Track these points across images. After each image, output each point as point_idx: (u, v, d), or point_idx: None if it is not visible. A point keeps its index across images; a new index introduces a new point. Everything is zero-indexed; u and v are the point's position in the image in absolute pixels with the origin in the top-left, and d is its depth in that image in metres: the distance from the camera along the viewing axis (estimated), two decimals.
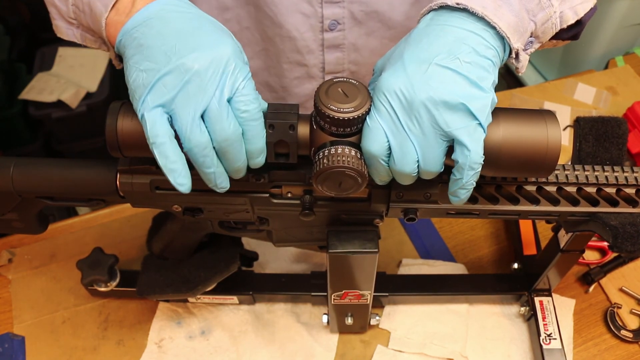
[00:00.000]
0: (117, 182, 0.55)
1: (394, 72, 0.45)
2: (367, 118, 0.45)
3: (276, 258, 0.85)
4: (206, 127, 0.44)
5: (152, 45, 0.44)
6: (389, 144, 0.44)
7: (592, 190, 0.57)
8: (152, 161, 0.54)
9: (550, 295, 0.76)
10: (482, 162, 0.44)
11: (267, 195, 0.56)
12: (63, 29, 0.54)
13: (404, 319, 0.78)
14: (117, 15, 0.47)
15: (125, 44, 0.46)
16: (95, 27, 0.49)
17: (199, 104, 0.43)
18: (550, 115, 0.48)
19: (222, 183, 0.47)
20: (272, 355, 0.76)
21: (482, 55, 0.45)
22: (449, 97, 0.42)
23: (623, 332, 0.77)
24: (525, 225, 0.84)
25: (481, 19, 0.45)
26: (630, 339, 0.76)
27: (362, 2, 0.68)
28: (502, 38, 0.47)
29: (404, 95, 0.43)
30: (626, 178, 0.57)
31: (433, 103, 0.43)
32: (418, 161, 0.45)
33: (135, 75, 0.45)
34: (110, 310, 0.80)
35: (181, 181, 0.45)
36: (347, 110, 0.44)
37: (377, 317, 0.76)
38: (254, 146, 0.46)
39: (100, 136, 0.48)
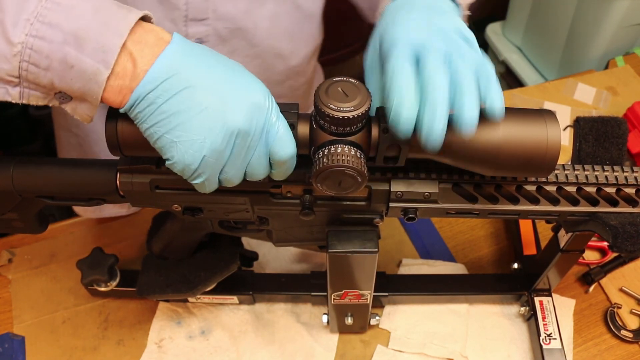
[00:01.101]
0: (117, 182, 0.55)
1: (406, 32, 0.47)
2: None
3: (276, 258, 0.85)
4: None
5: (179, 111, 0.42)
6: None
7: (592, 190, 0.57)
8: (152, 160, 0.54)
9: (550, 295, 0.76)
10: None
11: (267, 194, 0.56)
12: None
13: (404, 319, 0.78)
14: (119, 80, 0.42)
15: (140, 109, 0.42)
16: (74, 85, 0.42)
17: (244, 162, 0.46)
18: (549, 114, 0.48)
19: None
20: (272, 355, 0.76)
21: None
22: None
23: (623, 332, 0.77)
24: (525, 225, 0.84)
25: None
26: (630, 339, 0.76)
27: (227, 19, 0.68)
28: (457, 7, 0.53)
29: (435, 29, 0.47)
30: (626, 178, 0.57)
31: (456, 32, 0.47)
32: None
33: (168, 145, 0.43)
34: (110, 310, 0.80)
35: None
36: (347, 109, 0.44)
37: (377, 317, 0.76)
38: (279, 178, 0.50)
39: None
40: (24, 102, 0.43)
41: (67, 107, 0.44)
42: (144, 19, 0.44)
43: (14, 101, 0.43)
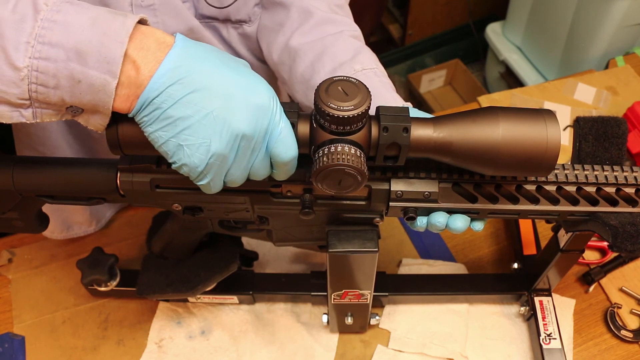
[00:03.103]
0: (118, 181, 0.55)
1: None
2: None
3: (276, 258, 0.85)
4: None
5: (185, 115, 0.42)
6: None
7: (591, 189, 0.57)
8: (153, 159, 0.54)
9: (550, 295, 0.76)
10: None
11: (267, 194, 0.56)
12: (4, 112, 0.42)
13: (404, 319, 0.78)
14: (125, 88, 0.42)
15: (146, 113, 0.42)
16: (84, 99, 0.42)
17: (249, 163, 0.46)
18: (549, 114, 0.48)
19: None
20: (272, 355, 0.76)
21: None
22: None
23: (623, 332, 0.77)
24: (525, 225, 0.84)
25: None
26: (630, 339, 0.76)
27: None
28: None
29: None
30: (626, 177, 0.57)
31: None
32: None
33: (174, 149, 0.43)
34: (110, 310, 0.80)
35: None
36: (346, 108, 0.44)
37: (377, 317, 0.76)
38: (281, 178, 0.50)
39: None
40: (38, 120, 0.43)
41: (79, 119, 0.45)
42: (141, 22, 0.44)
43: (28, 122, 0.43)
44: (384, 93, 0.62)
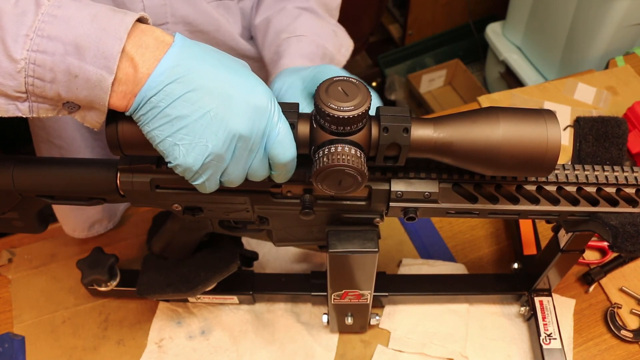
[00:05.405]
0: (118, 181, 0.55)
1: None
2: None
3: (276, 258, 0.85)
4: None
5: (182, 115, 0.42)
6: None
7: (592, 190, 0.57)
8: (153, 160, 0.54)
9: (550, 295, 0.76)
10: None
11: (267, 194, 0.56)
12: (0, 105, 0.42)
13: (404, 319, 0.78)
14: (122, 85, 0.42)
15: (143, 112, 0.42)
16: (80, 94, 0.42)
17: (246, 164, 0.46)
18: (549, 114, 0.48)
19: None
20: (272, 355, 0.76)
21: None
22: None
23: (623, 332, 0.77)
24: (525, 225, 0.84)
25: None
26: (630, 339, 0.76)
27: (187, 23, 0.68)
28: None
29: None
30: (626, 178, 0.57)
31: None
32: None
33: (171, 148, 0.43)
34: (110, 310, 0.80)
35: None
36: (347, 108, 0.44)
37: (377, 317, 0.76)
38: (280, 180, 0.50)
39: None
40: (34, 115, 0.43)
41: (76, 115, 0.45)
42: (141, 20, 0.44)
43: (24, 116, 0.43)
44: (289, 60, 0.63)
